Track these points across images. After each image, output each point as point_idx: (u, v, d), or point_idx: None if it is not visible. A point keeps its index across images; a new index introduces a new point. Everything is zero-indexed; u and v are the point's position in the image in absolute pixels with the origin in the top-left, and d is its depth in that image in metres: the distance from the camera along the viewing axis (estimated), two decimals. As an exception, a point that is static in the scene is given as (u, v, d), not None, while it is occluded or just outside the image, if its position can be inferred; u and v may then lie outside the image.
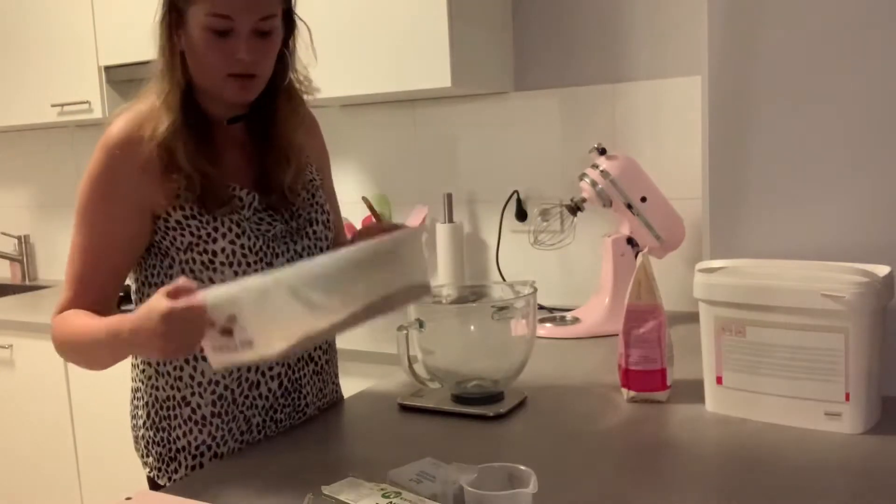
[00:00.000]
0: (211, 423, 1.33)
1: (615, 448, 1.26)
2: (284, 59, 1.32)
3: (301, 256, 1.35)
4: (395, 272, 1.09)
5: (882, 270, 1.27)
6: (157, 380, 1.34)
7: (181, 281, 1.07)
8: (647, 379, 1.40)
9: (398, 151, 2.57)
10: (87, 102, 2.67)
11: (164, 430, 1.35)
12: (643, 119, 2.18)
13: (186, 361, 1.32)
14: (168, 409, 1.34)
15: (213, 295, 1.04)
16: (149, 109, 1.27)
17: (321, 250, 1.38)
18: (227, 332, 1.03)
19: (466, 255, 2.45)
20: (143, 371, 1.37)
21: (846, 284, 1.21)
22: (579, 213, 2.00)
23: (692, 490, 1.08)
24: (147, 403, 1.36)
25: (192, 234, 1.27)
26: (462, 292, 1.53)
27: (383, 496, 0.96)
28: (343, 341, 1.98)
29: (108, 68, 2.65)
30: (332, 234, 1.43)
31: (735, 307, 1.31)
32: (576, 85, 2.26)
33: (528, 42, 2.32)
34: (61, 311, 1.27)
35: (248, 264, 1.29)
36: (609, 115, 2.23)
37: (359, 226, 2.55)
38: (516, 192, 2.36)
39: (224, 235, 1.28)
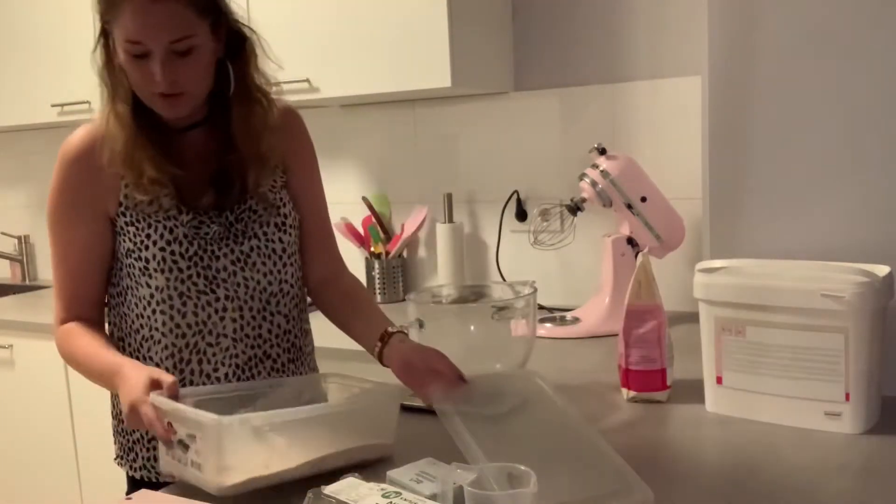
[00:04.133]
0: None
1: (615, 448, 1.25)
2: (226, 70, 1.30)
3: (249, 257, 1.33)
4: (361, 431, 1.15)
5: (882, 270, 1.27)
6: None
7: (168, 379, 1.13)
8: (647, 379, 1.40)
9: (398, 151, 2.57)
10: (87, 102, 2.66)
11: (122, 419, 1.38)
12: (643, 119, 2.18)
13: (151, 355, 1.33)
14: None
15: (180, 409, 1.07)
16: (104, 124, 1.28)
17: (274, 252, 1.35)
18: (184, 445, 1.05)
19: (466, 255, 2.45)
20: None
21: (846, 284, 1.21)
22: (579, 213, 2.00)
23: (692, 490, 1.08)
24: (114, 395, 1.38)
25: (129, 240, 1.30)
26: (462, 292, 1.53)
27: (383, 496, 0.96)
28: (342, 341, 1.97)
29: (108, 68, 2.65)
30: (292, 238, 1.39)
31: (735, 307, 1.31)
32: (576, 85, 2.26)
33: (528, 42, 2.32)
34: (59, 323, 1.33)
35: (181, 269, 1.29)
36: (609, 115, 2.23)
37: (359, 226, 2.55)
38: (516, 192, 2.36)
39: (155, 243, 1.29)
